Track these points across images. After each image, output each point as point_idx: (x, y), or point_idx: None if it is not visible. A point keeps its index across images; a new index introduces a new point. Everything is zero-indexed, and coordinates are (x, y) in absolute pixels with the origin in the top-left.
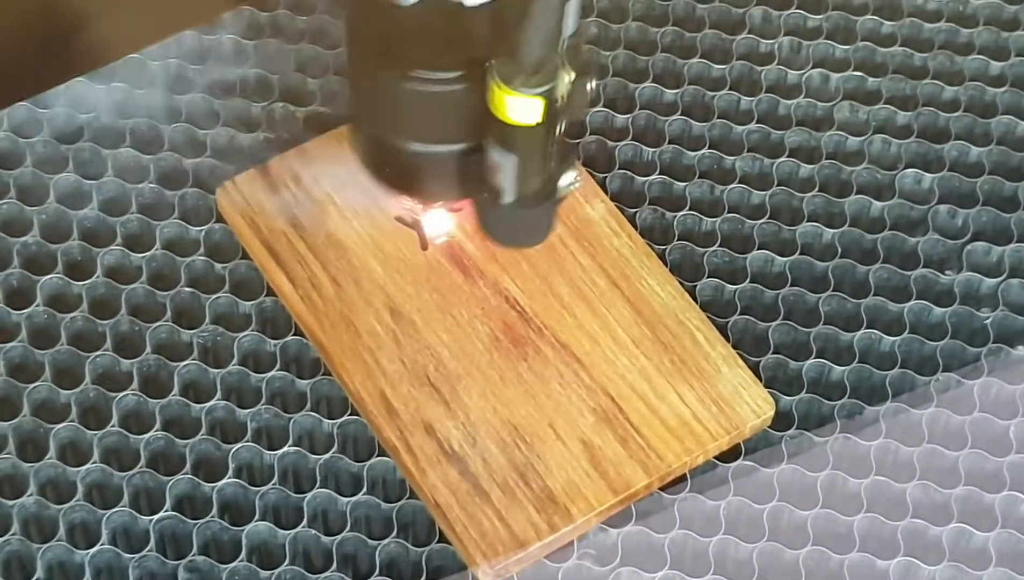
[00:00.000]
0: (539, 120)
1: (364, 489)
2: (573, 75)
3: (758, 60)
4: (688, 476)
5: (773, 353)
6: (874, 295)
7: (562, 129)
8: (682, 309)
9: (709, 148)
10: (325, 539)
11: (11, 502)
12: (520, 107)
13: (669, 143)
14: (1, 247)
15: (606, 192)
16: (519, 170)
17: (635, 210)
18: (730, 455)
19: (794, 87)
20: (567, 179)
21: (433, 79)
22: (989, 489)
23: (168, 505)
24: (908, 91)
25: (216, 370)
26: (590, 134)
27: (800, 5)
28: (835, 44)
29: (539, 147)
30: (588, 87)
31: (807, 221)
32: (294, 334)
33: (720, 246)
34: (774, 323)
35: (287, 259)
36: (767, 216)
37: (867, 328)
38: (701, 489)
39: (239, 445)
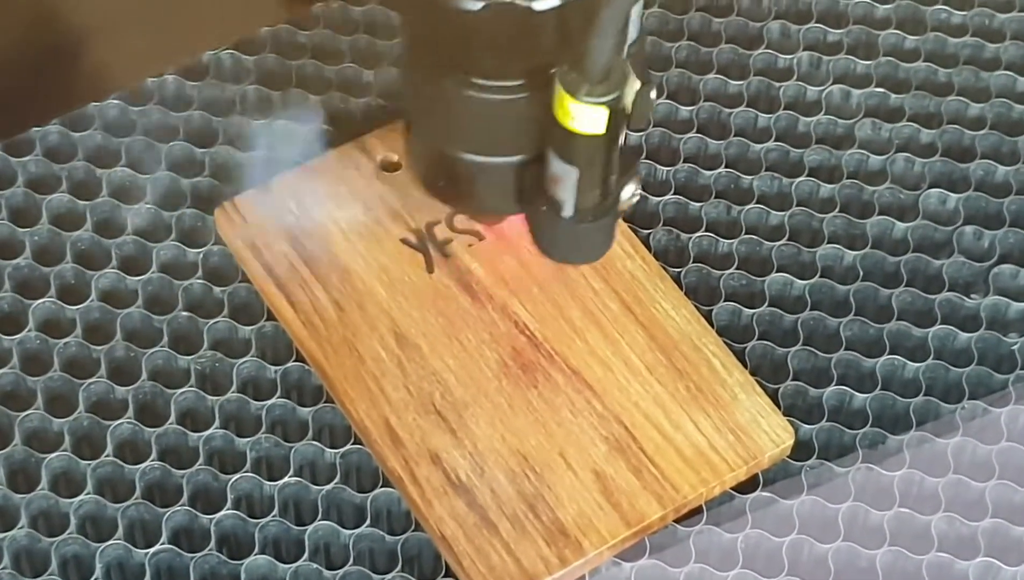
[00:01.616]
0: (603, 130)
1: (368, 521)
2: (639, 84)
3: (776, 76)
4: (704, 508)
5: (792, 380)
6: (897, 320)
7: (625, 140)
8: (698, 334)
9: (725, 167)
10: (327, 573)
11: (1, 535)
12: (585, 116)
13: (684, 162)
14: None
15: None
16: (580, 182)
17: (649, 231)
18: (748, 486)
19: (814, 104)
20: (628, 192)
21: (494, 87)
22: (1018, 522)
23: (164, 538)
24: (932, 108)
25: (214, 397)
26: None
27: (820, 19)
28: (856, 59)
29: (602, 158)
30: (651, 96)
31: (827, 243)
32: (295, 360)
33: (737, 269)
34: (793, 349)
35: (288, 282)
36: (786, 237)
37: (890, 354)
38: (718, 521)
39: (238, 475)
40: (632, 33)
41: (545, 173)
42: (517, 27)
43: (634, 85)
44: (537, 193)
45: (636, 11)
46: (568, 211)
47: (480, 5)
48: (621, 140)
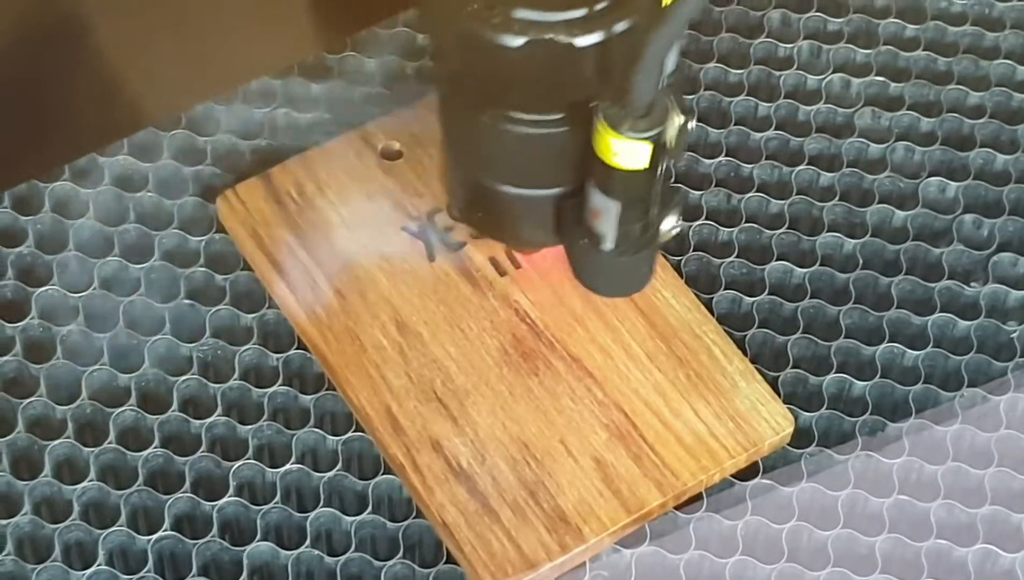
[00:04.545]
0: (646, 165)
1: (369, 508)
2: (683, 118)
3: (777, 65)
4: (704, 495)
5: (792, 367)
6: (897, 308)
7: (664, 172)
8: (698, 322)
9: (726, 155)
10: (329, 560)
11: (5, 521)
12: (627, 151)
13: (684, 151)
14: None
15: None
16: (621, 216)
17: None
18: (748, 473)
19: (814, 93)
20: (668, 224)
21: (534, 121)
22: (1016, 509)
23: (167, 524)
24: (932, 97)
25: (216, 385)
26: None
27: (820, 8)
28: (856, 48)
29: (644, 192)
30: (690, 126)
31: (827, 231)
32: (297, 348)
33: (737, 257)
34: (793, 337)
35: (290, 270)
36: (786, 226)
37: (889, 342)
38: (718, 508)
39: (240, 462)
40: (670, 64)
41: (585, 206)
42: (558, 63)
43: (677, 119)
44: (577, 226)
45: (676, 43)
46: (608, 245)
47: (521, 42)
48: (663, 172)
